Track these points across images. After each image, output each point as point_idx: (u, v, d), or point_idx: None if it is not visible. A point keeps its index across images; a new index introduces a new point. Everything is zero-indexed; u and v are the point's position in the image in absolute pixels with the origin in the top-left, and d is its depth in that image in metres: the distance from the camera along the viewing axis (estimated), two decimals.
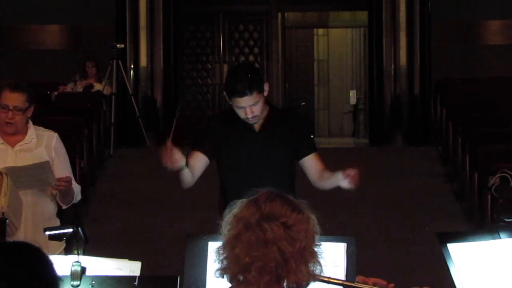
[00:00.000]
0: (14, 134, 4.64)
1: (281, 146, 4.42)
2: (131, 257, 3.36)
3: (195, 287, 3.22)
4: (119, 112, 11.02)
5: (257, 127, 4.43)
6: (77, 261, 3.16)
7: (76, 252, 3.31)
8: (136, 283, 3.13)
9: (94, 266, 3.26)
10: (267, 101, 4.52)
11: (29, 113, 4.66)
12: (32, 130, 4.69)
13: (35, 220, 4.48)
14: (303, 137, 4.46)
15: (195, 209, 8.04)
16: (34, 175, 4.50)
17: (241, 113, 4.35)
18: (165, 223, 8.06)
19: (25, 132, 4.67)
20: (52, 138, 4.72)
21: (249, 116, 4.34)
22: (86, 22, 12.38)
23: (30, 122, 4.72)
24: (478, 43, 12.36)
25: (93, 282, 3.13)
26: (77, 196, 4.75)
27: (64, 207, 4.76)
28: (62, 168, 4.70)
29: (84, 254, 3.35)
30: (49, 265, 2.23)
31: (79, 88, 11.09)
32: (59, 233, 3.63)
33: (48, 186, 4.57)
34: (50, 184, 4.54)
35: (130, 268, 3.29)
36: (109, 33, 11.70)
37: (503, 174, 7.41)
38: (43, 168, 4.47)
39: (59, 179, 4.52)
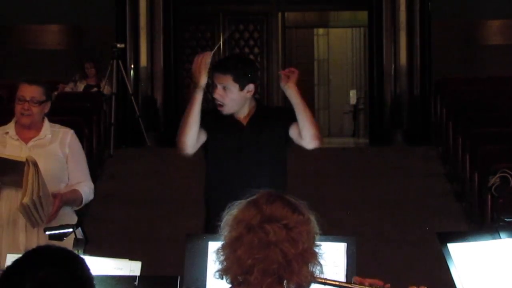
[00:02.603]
0: (29, 129, 4.63)
1: (268, 138, 4.46)
2: (131, 257, 3.36)
3: (195, 287, 3.22)
4: (119, 112, 11.02)
5: (244, 122, 4.47)
6: None
7: (76, 252, 3.31)
8: (136, 283, 3.13)
9: (94, 266, 3.26)
10: (256, 101, 4.57)
11: (46, 108, 4.65)
12: (47, 126, 4.68)
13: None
14: (285, 117, 4.49)
15: (195, 209, 8.03)
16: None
17: (213, 92, 4.44)
18: (165, 223, 8.06)
19: (39, 128, 4.67)
20: (67, 135, 4.71)
21: (214, 96, 4.42)
22: (86, 22, 12.39)
23: (46, 119, 4.71)
24: (478, 43, 12.36)
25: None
26: (89, 196, 4.73)
27: (74, 208, 4.75)
28: (76, 166, 4.69)
29: (84, 254, 3.36)
30: (80, 265, 2.25)
31: (79, 88, 11.10)
32: (59, 233, 3.63)
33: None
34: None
35: (130, 268, 3.29)
36: (109, 33, 11.70)
37: (503, 174, 7.40)
38: (47, 191, 4.46)
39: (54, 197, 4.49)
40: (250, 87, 4.42)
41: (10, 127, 4.67)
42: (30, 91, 4.58)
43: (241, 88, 4.40)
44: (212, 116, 4.54)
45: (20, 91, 4.60)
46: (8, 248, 4.27)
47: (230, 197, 2.63)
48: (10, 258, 3.31)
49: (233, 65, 4.44)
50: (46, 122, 4.70)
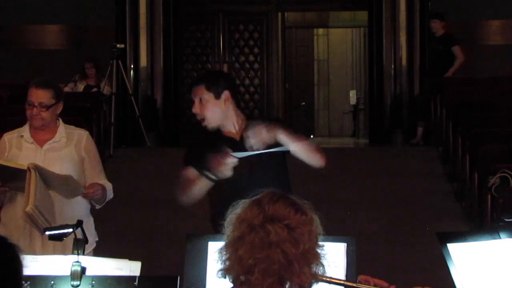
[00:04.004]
0: (43, 131, 4.61)
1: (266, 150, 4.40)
2: (131, 257, 3.36)
3: (195, 287, 3.22)
4: (119, 112, 11.03)
5: (237, 136, 4.41)
6: (77, 261, 3.16)
7: (76, 252, 3.31)
8: (136, 283, 3.13)
9: (94, 266, 3.26)
10: (245, 115, 4.51)
11: (57, 110, 4.63)
12: (62, 129, 4.66)
13: (64, 220, 4.44)
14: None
15: (195, 209, 8.03)
16: (60, 183, 4.48)
17: (192, 108, 4.42)
18: (165, 223, 8.05)
19: (54, 131, 4.65)
20: (82, 137, 4.70)
21: (193, 111, 4.38)
22: (86, 22, 12.39)
23: (60, 121, 4.69)
24: (478, 43, 12.35)
25: (93, 282, 3.13)
26: (110, 195, 4.75)
27: (97, 207, 4.76)
28: (92, 168, 4.69)
29: (84, 254, 3.35)
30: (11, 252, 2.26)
31: (79, 88, 11.10)
32: (59, 233, 3.63)
33: (76, 195, 4.55)
34: (78, 193, 4.53)
35: (130, 268, 3.29)
36: (109, 33, 11.70)
37: (503, 174, 7.41)
38: (66, 180, 4.45)
39: (87, 188, 4.51)
40: (226, 94, 4.36)
41: (25, 130, 4.64)
42: (38, 96, 4.54)
43: (216, 96, 4.36)
44: (203, 146, 4.42)
45: (29, 96, 4.56)
46: (24, 251, 4.23)
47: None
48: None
49: (203, 76, 4.48)
50: (61, 124, 4.67)
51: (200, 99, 4.36)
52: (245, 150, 4.33)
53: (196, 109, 4.37)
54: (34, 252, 4.25)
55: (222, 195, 4.37)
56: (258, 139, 4.18)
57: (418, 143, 11.27)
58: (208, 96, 4.35)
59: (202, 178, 4.28)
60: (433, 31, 11.17)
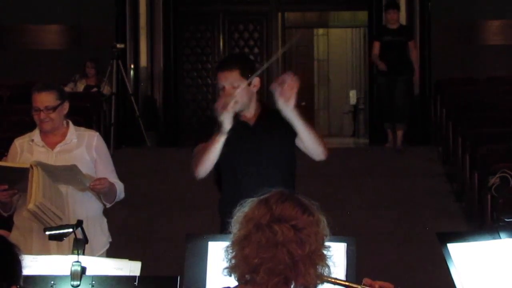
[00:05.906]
0: (53, 134, 4.62)
1: (275, 138, 4.44)
2: (131, 257, 3.36)
3: (195, 287, 3.22)
4: (119, 112, 11.02)
5: (251, 122, 4.45)
6: (77, 261, 3.16)
7: (76, 252, 3.31)
8: (136, 283, 3.13)
9: (94, 266, 3.26)
10: (260, 101, 4.55)
11: (64, 110, 4.64)
12: (72, 131, 4.67)
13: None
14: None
15: (195, 209, 8.04)
16: (66, 175, 4.48)
17: (222, 94, 4.38)
18: (165, 223, 8.06)
19: (64, 133, 4.66)
20: (93, 138, 4.70)
21: (225, 96, 4.36)
22: (86, 22, 12.38)
23: (70, 123, 4.71)
24: (478, 43, 12.35)
25: (93, 282, 3.13)
26: (121, 194, 4.75)
27: (107, 205, 4.76)
28: (104, 168, 4.69)
29: (83, 254, 3.36)
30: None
31: (79, 88, 11.10)
32: (59, 233, 3.62)
33: (83, 187, 4.55)
34: (85, 185, 4.53)
35: (130, 268, 3.29)
36: (109, 33, 11.70)
37: (503, 174, 7.40)
38: (72, 170, 4.45)
39: (94, 181, 4.51)
40: (256, 81, 4.44)
41: (35, 134, 4.66)
42: (42, 100, 4.55)
43: (248, 82, 4.39)
44: (216, 123, 4.51)
45: (33, 101, 4.57)
46: (38, 253, 4.22)
47: (242, 197, 2.62)
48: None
49: (237, 61, 4.47)
50: (71, 126, 4.69)
51: (232, 82, 4.36)
52: (257, 136, 4.36)
53: (227, 94, 4.33)
54: (49, 254, 4.23)
55: (231, 170, 4.39)
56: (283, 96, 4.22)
57: (396, 147, 10.58)
58: (241, 82, 4.38)
59: (214, 138, 4.27)
60: (388, 23, 10.83)
